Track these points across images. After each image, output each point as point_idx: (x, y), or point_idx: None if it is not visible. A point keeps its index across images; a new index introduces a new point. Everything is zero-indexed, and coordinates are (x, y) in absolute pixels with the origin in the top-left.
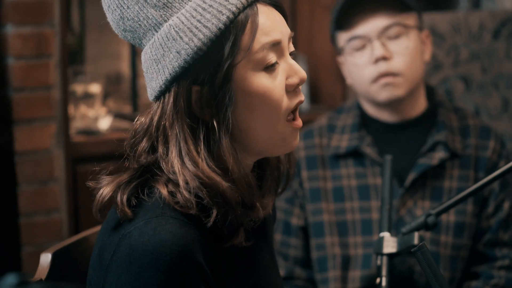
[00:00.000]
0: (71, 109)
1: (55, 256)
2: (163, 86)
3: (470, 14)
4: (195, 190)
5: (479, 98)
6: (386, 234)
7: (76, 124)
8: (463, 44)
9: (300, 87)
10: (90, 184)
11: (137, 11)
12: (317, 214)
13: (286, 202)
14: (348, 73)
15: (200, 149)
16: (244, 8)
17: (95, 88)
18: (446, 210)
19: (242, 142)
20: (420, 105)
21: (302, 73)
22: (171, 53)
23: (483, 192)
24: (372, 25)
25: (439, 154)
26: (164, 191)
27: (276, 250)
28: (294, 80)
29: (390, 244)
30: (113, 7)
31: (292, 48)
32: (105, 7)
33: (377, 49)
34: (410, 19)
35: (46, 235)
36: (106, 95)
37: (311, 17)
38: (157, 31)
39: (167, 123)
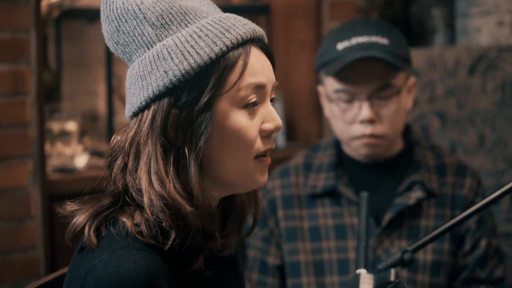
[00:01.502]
0: (48, 147)
1: None
2: (143, 103)
3: (446, 50)
4: (158, 210)
5: (455, 134)
6: (362, 271)
7: (53, 162)
8: (438, 80)
9: (274, 134)
10: (59, 210)
11: (134, 26)
12: (293, 253)
13: (263, 241)
14: (327, 109)
15: (170, 170)
16: (239, 45)
17: (72, 126)
18: (422, 246)
19: (211, 173)
20: (396, 145)
21: (278, 121)
22: (158, 71)
23: (460, 230)
24: (365, 85)
25: (416, 194)
26: (128, 223)
27: None
28: (269, 126)
29: (366, 281)
30: (111, 18)
31: (273, 95)
32: (102, 17)
33: (365, 111)
34: (401, 77)
35: (22, 273)
36: (82, 133)
37: (287, 54)
38: (149, 49)
39: (141, 140)
